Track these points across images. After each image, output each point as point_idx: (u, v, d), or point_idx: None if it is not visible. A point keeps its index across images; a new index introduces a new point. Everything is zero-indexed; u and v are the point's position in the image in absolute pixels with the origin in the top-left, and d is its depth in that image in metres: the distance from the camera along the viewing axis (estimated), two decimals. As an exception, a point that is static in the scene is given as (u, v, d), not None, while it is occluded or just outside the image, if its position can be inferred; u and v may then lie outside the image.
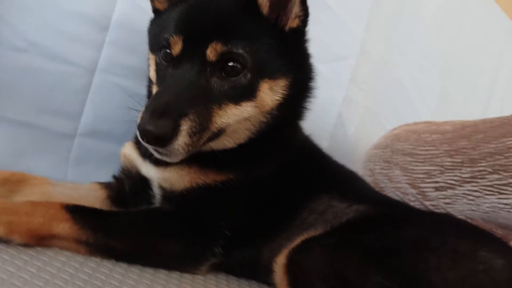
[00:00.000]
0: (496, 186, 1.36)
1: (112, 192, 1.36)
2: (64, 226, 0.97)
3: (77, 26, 1.46)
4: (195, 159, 1.10)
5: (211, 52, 1.01)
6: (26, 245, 0.93)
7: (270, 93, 1.09)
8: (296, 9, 1.11)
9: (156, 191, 1.22)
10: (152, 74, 1.16)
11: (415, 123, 1.86)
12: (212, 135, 1.04)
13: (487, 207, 1.40)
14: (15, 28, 1.37)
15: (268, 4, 1.09)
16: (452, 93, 2.71)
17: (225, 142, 1.12)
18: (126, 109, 1.55)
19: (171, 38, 1.04)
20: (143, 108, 0.96)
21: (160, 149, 0.96)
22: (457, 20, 2.66)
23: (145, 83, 1.55)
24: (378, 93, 2.33)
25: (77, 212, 1.00)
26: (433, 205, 1.55)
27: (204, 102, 0.99)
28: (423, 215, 1.33)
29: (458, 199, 1.47)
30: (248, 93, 1.06)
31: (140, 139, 0.94)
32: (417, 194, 1.59)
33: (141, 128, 0.91)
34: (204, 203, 1.14)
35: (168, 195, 1.18)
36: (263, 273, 1.16)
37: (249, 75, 1.04)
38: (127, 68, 1.56)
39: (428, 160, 1.58)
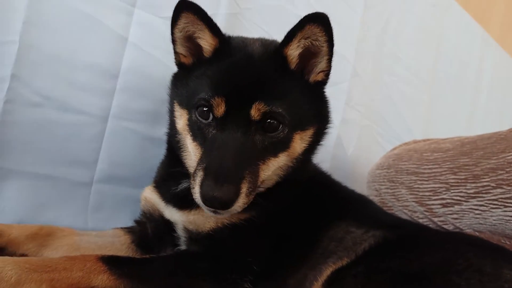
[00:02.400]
0: (500, 200, 1.45)
1: (136, 236, 1.39)
2: (102, 278, 0.99)
3: (88, 76, 1.50)
4: None
5: (255, 112, 1.08)
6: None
7: (300, 142, 1.19)
8: (323, 65, 1.20)
9: (181, 233, 1.25)
10: (183, 128, 1.20)
11: (414, 142, 1.95)
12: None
13: (494, 220, 1.48)
14: (29, 84, 1.40)
15: (297, 60, 1.17)
16: (439, 104, 2.83)
17: (259, 189, 1.17)
18: (140, 152, 1.63)
19: (214, 99, 1.09)
20: (200, 174, 1.03)
21: (221, 211, 1.03)
22: (437, 36, 2.80)
23: (157, 126, 1.60)
24: (372, 112, 2.43)
25: (112, 262, 1.03)
26: (442, 221, 1.63)
27: (253, 161, 1.07)
28: (437, 234, 1.38)
29: (465, 214, 1.55)
30: (284, 146, 1.15)
31: (202, 204, 1.01)
32: (425, 211, 1.66)
33: (206, 196, 0.99)
34: (231, 241, 1.18)
35: (195, 236, 1.21)
36: None
37: (286, 130, 1.12)
38: (138, 113, 1.60)
39: (433, 178, 1.66)
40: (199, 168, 1.06)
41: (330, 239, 1.27)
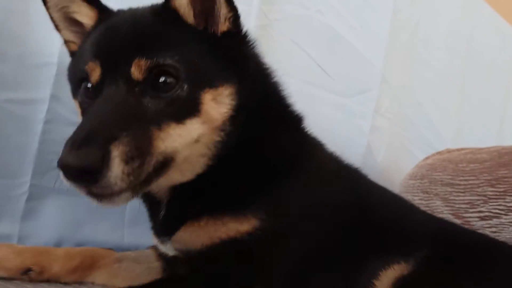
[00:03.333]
0: (543, 213, 1.41)
1: (165, 263, 1.24)
2: None
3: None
4: (200, 211, 0.99)
5: (136, 70, 0.87)
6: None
7: (215, 105, 0.94)
8: (223, 10, 0.99)
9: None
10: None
11: (448, 151, 1.91)
12: (158, 165, 0.86)
13: (535, 234, 1.44)
14: (67, 105, 1.43)
15: (191, 12, 0.98)
16: (469, 109, 2.77)
17: (177, 175, 0.97)
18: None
19: (88, 66, 0.91)
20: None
21: (93, 188, 0.79)
22: (467, 39, 2.73)
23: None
24: (401, 119, 2.40)
25: None
26: (480, 234, 1.59)
27: (138, 125, 0.83)
28: (490, 243, 1.25)
29: (504, 227, 1.51)
30: (190, 108, 0.90)
31: (64, 179, 0.78)
32: (462, 224, 1.63)
33: (61, 163, 0.75)
34: (230, 261, 0.97)
35: (184, 256, 1.04)
36: None
37: (185, 86, 0.89)
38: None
39: (469, 190, 1.62)
40: None
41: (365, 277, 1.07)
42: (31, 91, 1.40)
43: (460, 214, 1.64)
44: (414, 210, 1.37)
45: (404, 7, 2.34)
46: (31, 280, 1.11)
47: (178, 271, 1.09)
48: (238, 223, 0.96)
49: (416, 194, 1.84)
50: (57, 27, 1.09)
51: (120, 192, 0.81)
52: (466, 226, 1.63)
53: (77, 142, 0.77)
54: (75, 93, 1.02)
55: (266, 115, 1.07)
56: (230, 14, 1.00)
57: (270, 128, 1.09)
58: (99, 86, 0.90)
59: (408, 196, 1.87)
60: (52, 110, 1.42)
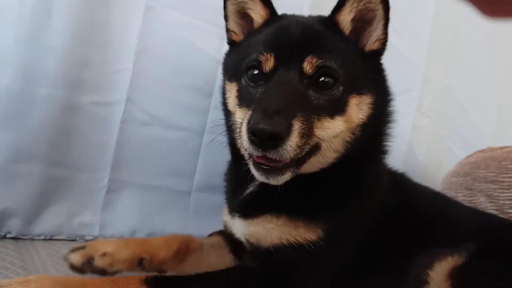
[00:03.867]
0: None
1: (231, 247, 1.36)
2: None
3: (188, 96, 1.68)
4: (283, 207, 1.09)
5: (308, 65, 1.03)
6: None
7: (357, 109, 1.09)
8: (378, 32, 1.14)
9: (246, 246, 1.19)
10: (233, 102, 1.15)
11: (490, 149, 1.97)
12: (311, 148, 1.01)
13: None
14: (141, 106, 1.59)
15: (350, 27, 1.13)
16: (509, 108, 2.80)
17: (317, 163, 1.09)
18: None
19: (262, 56, 1.05)
20: (248, 115, 0.94)
21: (271, 152, 0.92)
22: (509, 39, 2.75)
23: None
24: (442, 118, 2.46)
25: (157, 284, 0.97)
26: (524, 230, 1.66)
27: (305, 111, 0.98)
28: None
29: (548, 223, 1.57)
30: (339, 108, 1.06)
31: (249, 143, 0.92)
32: (506, 219, 1.70)
33: (254, 127, 0.90)
34: (292, 262, 1.07)
35: (254, 250, 1.13)
36: None
37: (341, 88, 1.05)
38: (229, 127, 1.75)
39: (514, 187, 1.69)
40: (246, 115, 0.97)
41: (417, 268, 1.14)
42: (110, 94, 1.56)
43: (505, 210, 1.71)
44: (458, 205, 1.45)
45: (445, 10, 2.40)
46: (144, 269, 1.14)
47: (245, 262, 1.20)
48: (307, 231, 1.06)
49: (460, 191, 1.91)
50: (226, 17, 1.24)
51: (286, 168, 0.98)
52: (510, 222, 1.70)
53: (269, 112, 0.91)
54: (234, 77, 1.16)
55: (381, 130, 1.21)
56: (382, 37, 1.15)
57: (373, 149, 1.22)
58: (270, 74, 1.05)
59: (451, 193, 1.95)
60: (128, 111, 1.58)
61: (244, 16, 1.22)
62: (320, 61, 1.03)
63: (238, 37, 1.25)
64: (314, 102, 1.02)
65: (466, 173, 1.93)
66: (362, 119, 1.10)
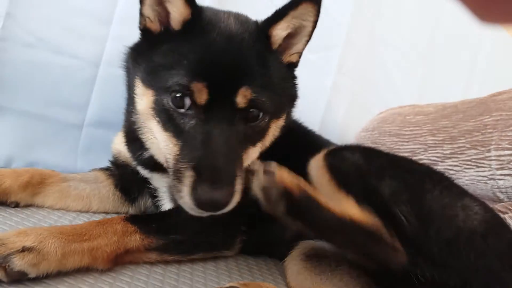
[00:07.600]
0: (474, 160, 1.50)
1: (117, 180, 1.35)
2: (135, 238, 0.98)
3: (82, 21, 1.55)
4: None
5: (242, 99, 0.98)
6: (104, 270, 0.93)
7: (274, 131, 1.14)
8: (299, 46, 1.14)
9: (164, 190, 1.22)
10: (145, 110, 1.06)
11: (400, 107, 1.99)
12: None
13: (467, 180, 1.53)
14: (23, 25, 1.45)
15: (280, 42, 1.10)
16: (433, 78, 2.85)
17: None
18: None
19: (193, 85, 0.95)
20: (189, 175, 0.90)
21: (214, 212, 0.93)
22: (437, 10, 2.79)
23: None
24: (364, 80, 2.46)
25: (138, 221, 1.02)
26: (418, 181, 1.68)
27: (238, 154, 0.99)
28: None
29: (440, 174, 1.60)
30: (261, 135, 1.09)
31: (192, 207, 0.90)
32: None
33: (203, 200, 0.88)
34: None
35: None
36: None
37: (267, 119, 1.06)
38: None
39: (413, 140, 1.71)
40: (184, 167, 0.92)
41: None
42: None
43: (403, 162, 1.73)
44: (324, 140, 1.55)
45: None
46: None
47: (141, 192, 1.32)
48: None
49: (366, 145, 1.92)
50: (141, 1, 1.07)
51: None
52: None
53: (216, 181, 0.90)
54: (150, 84, 1.04)
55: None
56: (301, 51, 1.16)
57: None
58: (205, 110, 0.97)
59: (358, 147, 1.95)
60: (7, 28, 1.43)
61: (161, 3, 1.06)
62: (254, 95, 0.99)
63: (153, 25, 1.08)
64: (243, 136, 1.02)
65: (374, 128, 1.93)
66: (276, 136, 1.16)
